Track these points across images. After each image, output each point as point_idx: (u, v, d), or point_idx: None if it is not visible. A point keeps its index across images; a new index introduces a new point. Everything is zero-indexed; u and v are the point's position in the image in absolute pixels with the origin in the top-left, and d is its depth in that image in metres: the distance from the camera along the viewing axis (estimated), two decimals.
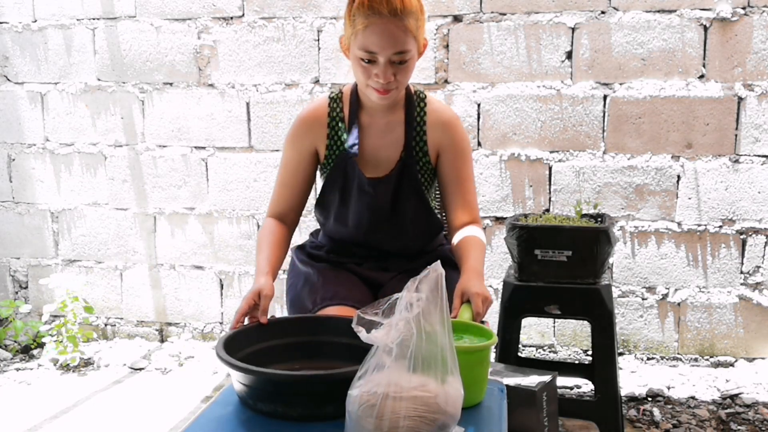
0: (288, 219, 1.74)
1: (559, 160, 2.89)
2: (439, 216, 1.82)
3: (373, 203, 1.69)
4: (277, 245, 1.66)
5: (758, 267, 2.83)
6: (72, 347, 2.98)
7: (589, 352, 2.91)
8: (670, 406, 2.53)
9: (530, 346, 3.02)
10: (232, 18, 3.05)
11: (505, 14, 2.85)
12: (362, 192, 1.69)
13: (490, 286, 2.99)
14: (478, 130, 2.93)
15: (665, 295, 2.90)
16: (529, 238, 2.08)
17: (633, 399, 2.59)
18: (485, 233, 2.96)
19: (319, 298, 1.66)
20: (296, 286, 1.79)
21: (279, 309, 3.15)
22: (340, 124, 1.70)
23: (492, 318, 2.51)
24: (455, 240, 1.67)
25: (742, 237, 2.82)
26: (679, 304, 2.89)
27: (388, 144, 1.70)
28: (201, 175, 3.17)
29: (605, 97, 2.83)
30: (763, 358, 2.86)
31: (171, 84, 3.14)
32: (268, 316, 1.40)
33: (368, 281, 1.76)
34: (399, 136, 1.70)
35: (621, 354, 2.93)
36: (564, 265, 2.07)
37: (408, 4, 1.52)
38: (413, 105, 1.71)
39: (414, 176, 1.70)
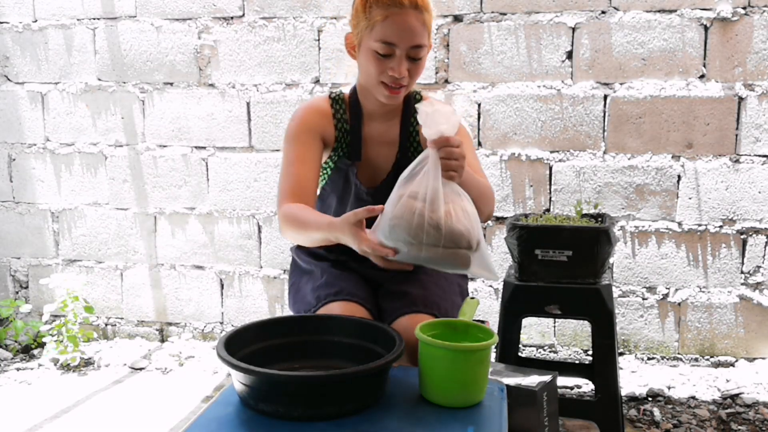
0: (307, 202, 1.59)
1: (560, 160, 2.89)
2: None
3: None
4: (318, 213, 1.54)
5: (759, 267, 2.83)
6: (72, 347, 2.98)
7: (590, 352, 2.91)
8: (670, 406, 2.53)
9: (530, 346, 3.02)
10: (232, 18, 3.05)
11: (505, 14, 2.85)
12: (360, 201, 1.70)
13: (491, 286, 2.99)
14: (479, 130, 2.93)
15: (666, 295, 2.90)
16: (529, 238, 2.08)
17: (633, 399, 2.59)
18: (486, 232, 2.96)
19: (323, 294, 1.66)
20: (298, 283, 1.79)
21: (279, 309, 3.16)
22: (345, 126, 1.69)
23: (492, 318, 2.51)
24: None
25: (742, 237, 2.82)
26: (679, 304, 2.89)
27: (385, 149, 1.70)
28: (201, 175, 3.17)
29: (606, 97, 2.83)
30: (763, 358, 2.86)
31: (171, 84, 3.14)
32: (268, 317, 1.40)
33: (369, 280, 1.76)
34: (394, 139, 1.70)
35: (621, 354, 2.93)
36: (564, 265, 2.06)
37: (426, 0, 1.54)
38: (410, 107, 1.70)
39: None
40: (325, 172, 1.73)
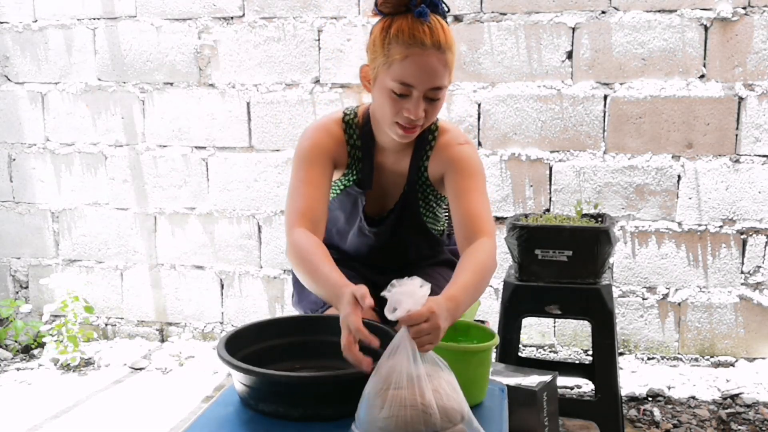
0: (319, 228, 1.50)
1: (560, 160, 2.89)
2: (439, 232, 1.81)
3: (373, 243, 1.70)
4: (331, 261, 1.40)
5: (759, 267, 2.83)
6: (72, 347, 2.98)
7: (590, 352, 2.91)
8: (670, 406, 2.53)
9: (531, 346, 3.02)
10: (232, 18, 3.05)
11: (505, 14, 2.85)
12: (362, 234, 1.69)
13: (491, 285, 2.99)
14: (479, 130, 2.93)
15: (666, 295, 2.90)
16: (529, 238, 2.08)
17: (633, 399, 2.59)
18: None
19: None
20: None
21: (280, 309, 3.15)
22: (358, 154, 1.63)
23: (492, 318, 2.51)
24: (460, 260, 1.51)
25: (742, 237, 2.82)
26: (679, 304, 2.89)
27: (394, 178, 1.66)
28: (201, 175, 3.17)
29: (606, 97, 2.83)
30: (763, 358, 2.86)
31: (171, 84, 3.14)
32: (268, 317, 1.39)
33: (369, 282, 1.76)
34: (404, 171, 1.65)
35: (621, 354, 2.93)
36: (564, 264, 2.07)
37: (450, 38, 1.44)
38: (424, 139, 1.62)
39: (415, 210, 1.67)
40: (334, 191, 1.69)
